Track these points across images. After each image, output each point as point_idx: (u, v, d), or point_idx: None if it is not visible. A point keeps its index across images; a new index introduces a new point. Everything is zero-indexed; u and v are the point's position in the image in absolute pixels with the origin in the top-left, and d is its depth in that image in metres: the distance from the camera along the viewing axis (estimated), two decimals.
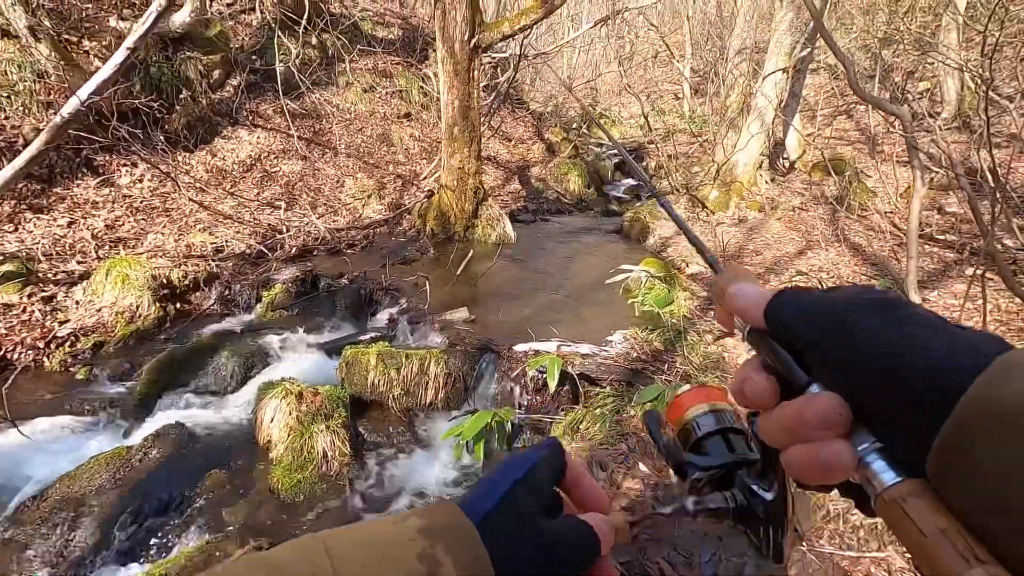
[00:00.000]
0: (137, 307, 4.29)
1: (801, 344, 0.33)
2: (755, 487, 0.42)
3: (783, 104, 7.53)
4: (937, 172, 6.12)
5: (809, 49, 7.42)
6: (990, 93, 4.49)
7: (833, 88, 10.42)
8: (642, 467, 2.79)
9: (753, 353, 0.39)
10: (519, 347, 3.71)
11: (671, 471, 0.48)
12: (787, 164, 8.45)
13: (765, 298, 0.36)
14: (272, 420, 3.09)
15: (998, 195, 2.82)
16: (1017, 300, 2.87)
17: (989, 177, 2.69)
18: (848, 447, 0.31)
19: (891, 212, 6.06)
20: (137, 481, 2.83)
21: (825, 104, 10.60)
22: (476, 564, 0.33)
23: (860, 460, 0.30)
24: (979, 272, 2.79)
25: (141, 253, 4.93)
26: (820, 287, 0.36)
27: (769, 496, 0.41)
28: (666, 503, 0.44)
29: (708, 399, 0.47)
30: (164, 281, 4.60)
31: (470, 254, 5.21)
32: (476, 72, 6.30)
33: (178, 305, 4.63)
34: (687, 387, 0.49)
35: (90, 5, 6.38)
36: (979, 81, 2.12)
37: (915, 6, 10.14)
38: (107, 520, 2.61)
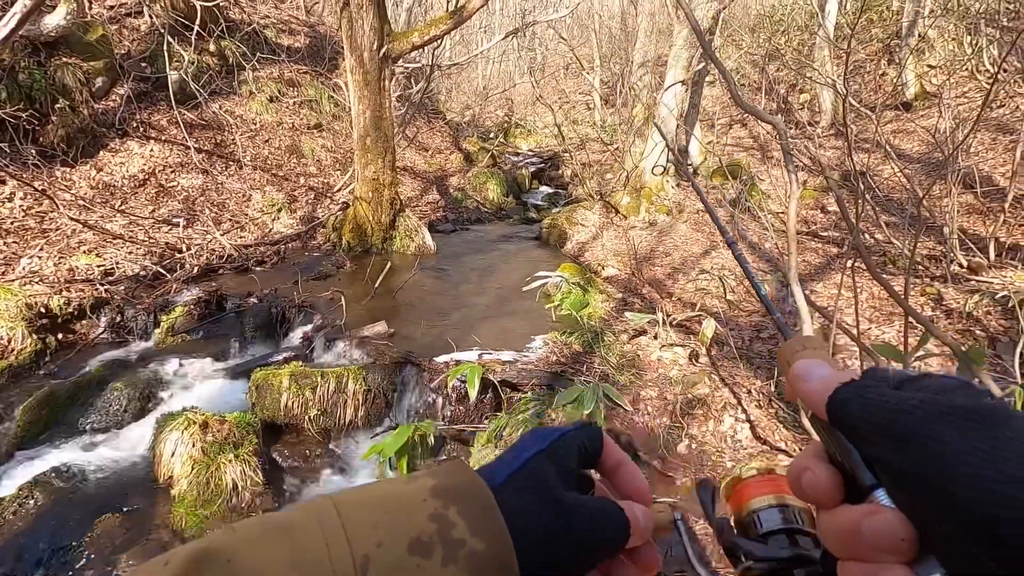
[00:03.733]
0: (9, 340, 3.82)
1: (865, 452, 0.29)
2: None
3: (684, 114, 8.03)
4: (818, 175, 6.76)
5: (704, 63, 7.98)
6: (856, 104, 5.02)
7: (728, 99, 11.25)
8: None
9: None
10: (440, 358, 3.68)
11: (724, 553, 0.42)
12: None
13: (829, 387, 0.31)
14: (173, 454, 2.86)
15: (865, 195, 3.17)
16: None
17: (858, 180, 3.03)
18: None
19: (781, 212, 6.61)
20: (12, 536, 2.52)
21: (722, 114, 11.43)
22: (491, 526, 0.31)
23: None
24: (851, 264, 3.11)
25: (13, 280, 4.41)
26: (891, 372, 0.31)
27: None
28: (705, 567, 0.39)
29: (775, 490, 0.41)
30: (42, 310, 4.13)
31: (388, 266, 5.11)
32: (387, 82, 6.22)
33: (60, 336, 4.18)
34: (753, 471, 0.43)
35: None
36: (842, 94, 2.38)
37: (791, 27, 11.19)
38: None
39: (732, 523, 0.43)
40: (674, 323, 4.18)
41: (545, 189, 11.40)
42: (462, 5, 6.17)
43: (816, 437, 0.34)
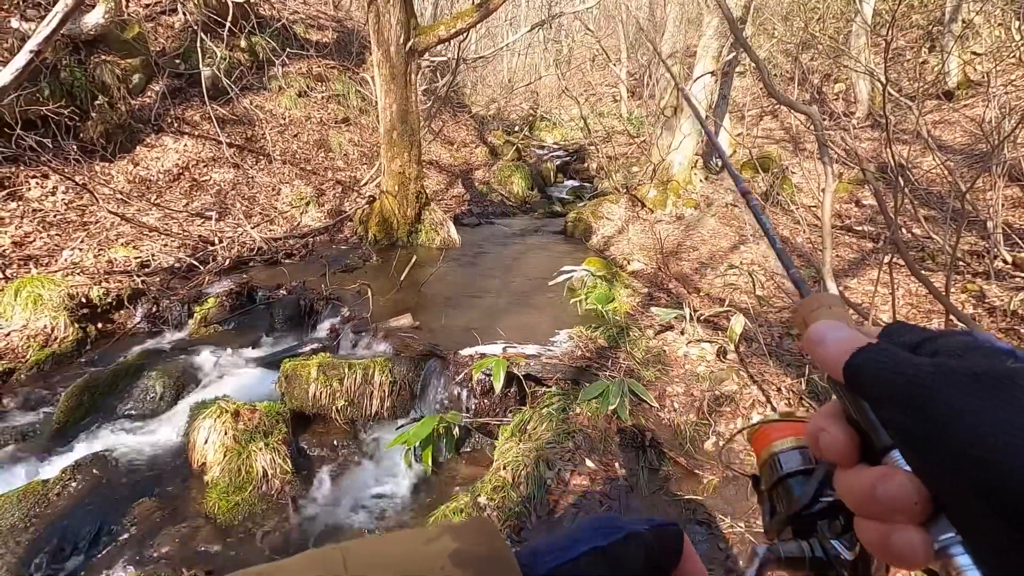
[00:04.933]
0: (52, 329, 3.98)
1: (881, 416, 0.29)
2: (835, 543, 0.37)
3: (713, 106, 7.86)
4: (854, 168, 6.55)
5: (735, 53, 7.79)
6: (894, 93, 4.84)
7: (759, 90, 10.97)
8: (588, 463, 2.84)
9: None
10: (465, 351, 3.69)
11: (755, 490, 0.41)
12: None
13: (845, 351, 0.31)
14: (206, 441, 2.94)
15: (904, 188, 3.06)
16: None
17: (897, 172, 2.93)
18: (924, 538, 0.26)
19: (814, 206, 6.43)
20: (55, 517, 2.62)
21: (752, 105, 11.15)
22: None
23: (942, 550, 0.26)
24: (888, 260, 3.01)
25: (56, 271, 4.58)
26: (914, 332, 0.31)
27: (848, 556, 0.36)
28: (742, 560, 0.39)
29: (795, 433, 0.42)
30: (83, 300, 4.29)
31: (413, 259, 5.15)
32: (413, 76, 6.24)
33: (100, 325, 4.33)
34: (774, 416, 0.44)
35: None
36: (881, 82, 2.29)
37: (826, 14, 10.83)
38: (21, 562, 2.40)
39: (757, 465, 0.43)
40: (701, 319, 4.12)
41: (570, 182, 11.32)
42: None
43: (834, 396, 0.34)
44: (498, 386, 3.25)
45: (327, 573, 0.26)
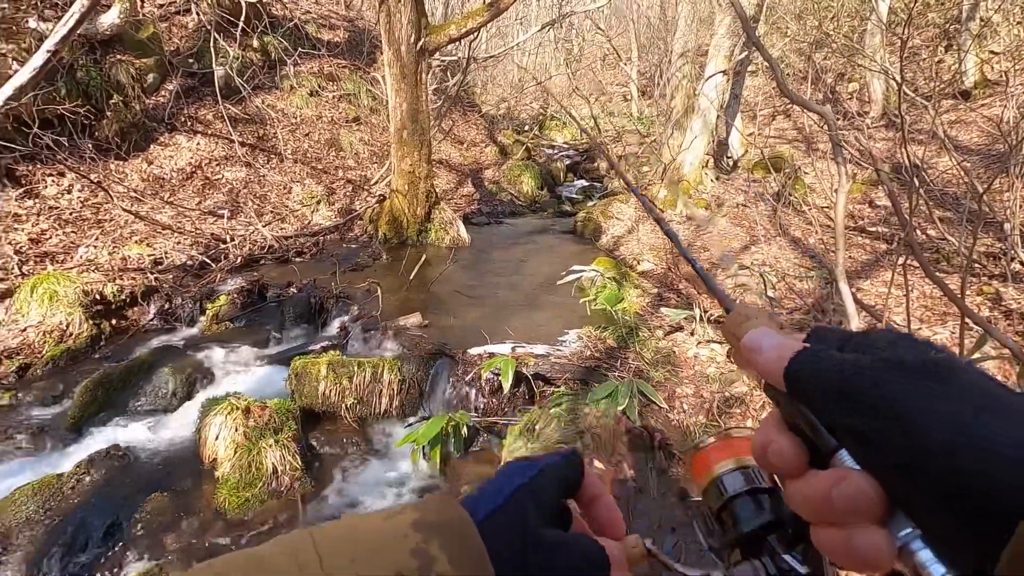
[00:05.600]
0: (67, 325, 4.04)
1: (826, 419, 0.29)
2: (786, 558, 0.36)
3: (725, 105, 7.81)
4: (867, 168, 6.48)
5: (747, 52, 7.73)
6: (910, 93, 4.78)
7: (771, 89, 10.88)
8: (597, 464, 2.83)
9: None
10: (474, 350, 3.70)
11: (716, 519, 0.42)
12: (731, 163, 8.76)
13: (784, 357, 0.31)
14: (217, 437, 2.97)
15: (919, 189, 3.02)
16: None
17: (912, 173, 2.89)
18: (886, 537, 0.26)
19: (827, 207, 6.37)
20: (69, 510, 2.66)
21: (764, 104, 11.06)
22: (473, 561, 0.31)
23: (903, 547, 0.26)
24: (902, 261, 2.97)
25: (71, 268, 4.65)
26: (847, 334, 0.32)
27: (802, 570, 0.36)
28: (691, 569, 0.39)
29: (734, 453, 0.42)
30: (97, 297, 4.35)
31: (423, 258, 5.16)
32: (424, 75, 6.26)
33: (114, 321, 4.39)
34: (711, 439, 0.44)
35: (7, 5, 5.98)
36: (896, 82, 2.26)
37: (840, 12, 10.71)
38: (36, 554, 2.44)
39: (701, 492, 0.43)
40: (712, 319, 4.09)
41: (580, 182, 11.29)
42: None
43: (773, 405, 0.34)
44: (507, 385, 3.25)
45: (297, 552, 0.29)
